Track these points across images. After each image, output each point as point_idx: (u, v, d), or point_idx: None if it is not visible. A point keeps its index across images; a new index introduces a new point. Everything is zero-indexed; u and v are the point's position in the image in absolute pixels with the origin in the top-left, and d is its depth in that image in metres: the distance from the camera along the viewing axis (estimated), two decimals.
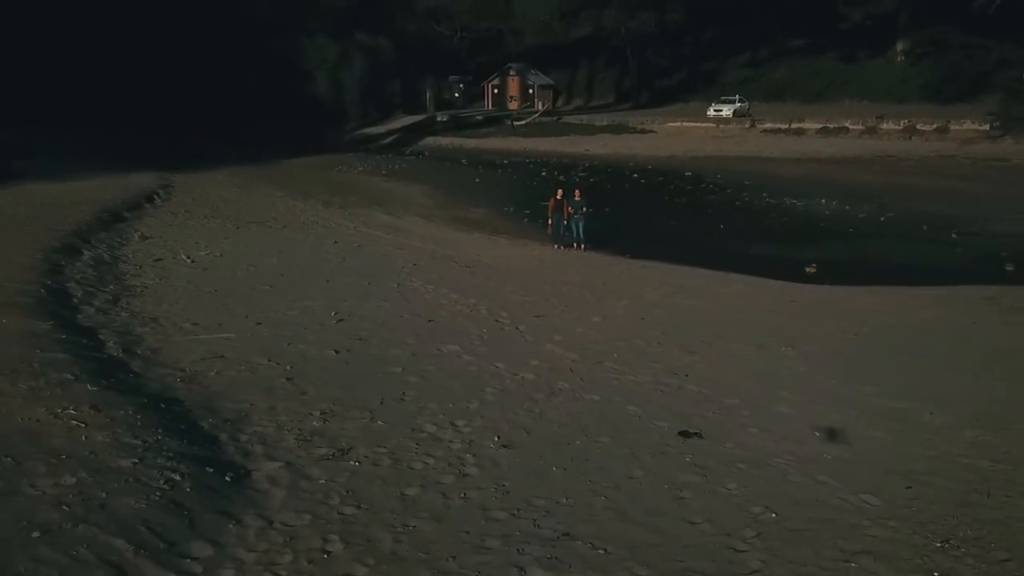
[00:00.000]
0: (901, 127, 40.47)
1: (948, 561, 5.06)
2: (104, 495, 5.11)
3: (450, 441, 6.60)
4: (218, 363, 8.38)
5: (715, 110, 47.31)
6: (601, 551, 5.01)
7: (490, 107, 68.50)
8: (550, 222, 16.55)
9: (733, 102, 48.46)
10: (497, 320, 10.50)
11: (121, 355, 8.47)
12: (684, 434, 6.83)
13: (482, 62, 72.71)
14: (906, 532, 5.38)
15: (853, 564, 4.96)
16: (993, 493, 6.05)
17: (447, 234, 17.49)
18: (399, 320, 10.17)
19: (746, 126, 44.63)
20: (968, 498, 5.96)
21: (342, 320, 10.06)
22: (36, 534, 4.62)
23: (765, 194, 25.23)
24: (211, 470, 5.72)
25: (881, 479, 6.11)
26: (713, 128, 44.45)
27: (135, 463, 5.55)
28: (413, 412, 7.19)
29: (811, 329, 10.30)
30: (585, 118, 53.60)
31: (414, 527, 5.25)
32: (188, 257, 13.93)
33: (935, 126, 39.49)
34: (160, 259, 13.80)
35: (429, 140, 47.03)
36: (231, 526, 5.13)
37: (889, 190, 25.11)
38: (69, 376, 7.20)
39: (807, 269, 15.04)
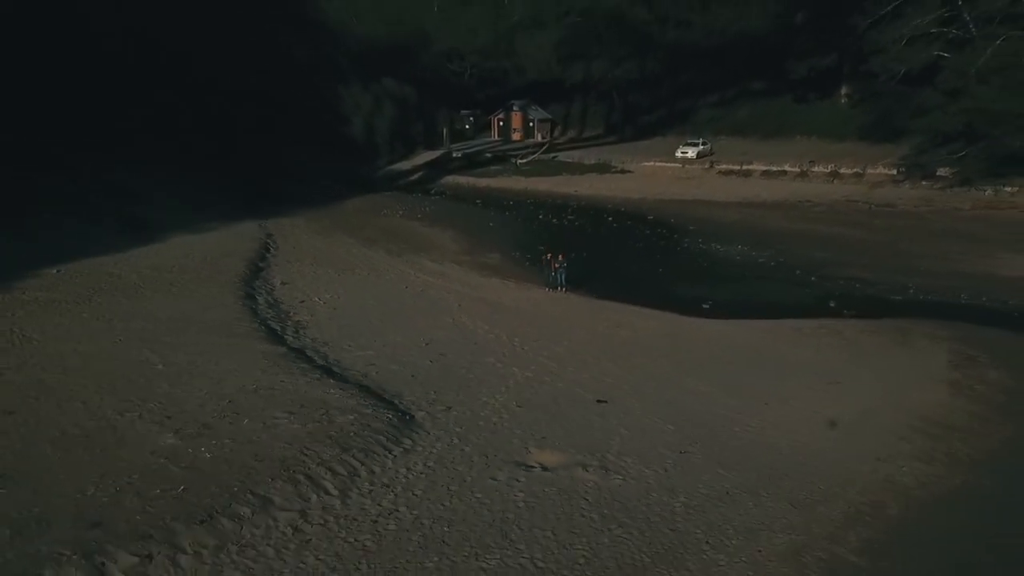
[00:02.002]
0: (828, 170, 47.61)
1: (681, 444, 12.55)
2: (367, 422, 12.64)
3: (494, 404, 14.14)
4: (373, 368, 15.89)
5: (682, 152, 54.47)
6: (558, 442, 12.54)
7: (496, 137, 76.15)
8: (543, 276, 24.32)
9: (697, 145, 55.55)
10: (512, 343, 17.99)
11: (324, 364, 15.97)
12: (599, 401, 14.35)
13: (490, 95, 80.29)
14: (679, 438, 12.90)
15: (657, 449, 12.48)
16: (731, 425, 13.56)
17: (475, 279, 24.90)
18: (459, 343, 17.68)
19: (706, 167, 51.91)
20: (710, 427, 13.44)
21: (428, 343, 17.58)
22: (353, 432, 12.15)
23: (700, 240, 32.64)
24: (400, 414, 13.27)
25: (676, 417, 13.63)
26: (679, 168, 51.73)
27: (374, 409, 13.09)
28: (476, 392, 14.72)
29: (683, 349, 17.76)
30: (577, 154, 60.97)
31: (484, 436, 12.78)
32: (320, 299, 21.40)
33: (855, 170, 46.70)
34: (303, 301, 21.26)
35: (449, 179, 54.45)
36: (415, 434, 12.67)
37: (792, 236, 32.40)
38: (317, 374, 14.75)
39: (703, 306, 22.40)
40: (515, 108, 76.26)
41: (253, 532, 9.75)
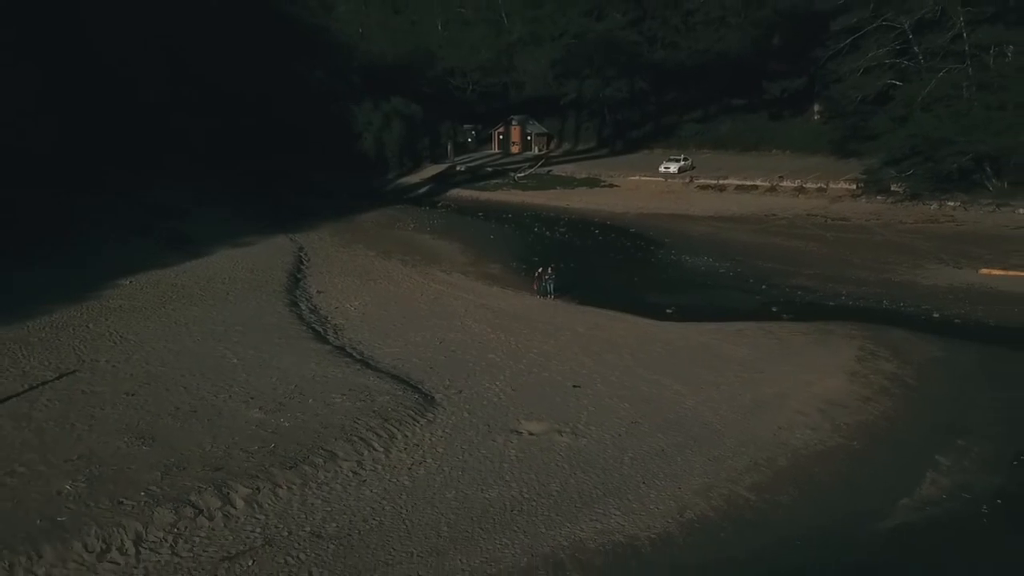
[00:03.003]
0: (795, 185, 51.37)
1: (633, 417, 16.50)
2: (400, 401, 16.60)
3: (494, 389, 18.08)
4: (400, 361, 19.83)
5: (665, 167, 58.21)
6: (542, 415, 16.51)
7: (496, 149, 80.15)
8: (535, 286, 28.10)
9: (679, 160, 59.19)
10: (509, 342, 21.89)
11: (361, 358, 19.92)
12: (575, 386, 18.29)
13: (490, 110, 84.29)
14: (632, 413, 16.84)
15: (614, 420, 16.43)
16: (673, 405, 17.49)
17: (479, 287, 28.75)
18: (466, 343, 21.60)
19: (687, 182, 55.72)
20: (657, 406, 17.36)
21: (442, 342, 21.51)
22: (390, 408, 16.11)
23: (673, 252, 36.50)
24: (427, 394, 17.23)
25: (631, 397, 17.57)
26: (662, 183, 55.52)
27: (404, 392, 17.07)
28: (481, 379, 18.65)
29: (645, 346, 21.66)
30: (570, 168, 64.87)
31: (487, 411, 16.74)
32: (350, 306, 25.33)
33: (819, 185, 50.45)
34: (337, 307, 25.20)
35: (453, 191, 58.32)
36: (435, 410, 16.63)
37: (752, 248, 36.15)
38: (358, 366, 18.70)
39: (667, 311, 26.20)
40: (514, 122, 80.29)
41: (326, 475, 13.73)
